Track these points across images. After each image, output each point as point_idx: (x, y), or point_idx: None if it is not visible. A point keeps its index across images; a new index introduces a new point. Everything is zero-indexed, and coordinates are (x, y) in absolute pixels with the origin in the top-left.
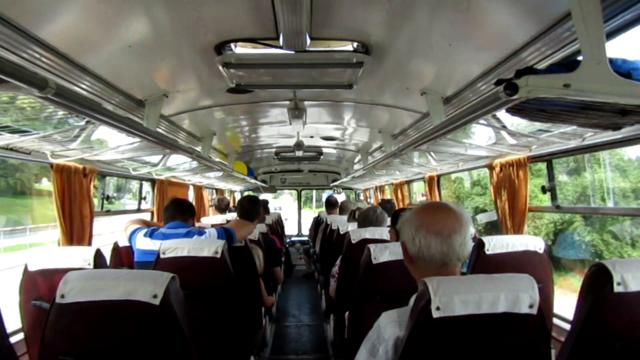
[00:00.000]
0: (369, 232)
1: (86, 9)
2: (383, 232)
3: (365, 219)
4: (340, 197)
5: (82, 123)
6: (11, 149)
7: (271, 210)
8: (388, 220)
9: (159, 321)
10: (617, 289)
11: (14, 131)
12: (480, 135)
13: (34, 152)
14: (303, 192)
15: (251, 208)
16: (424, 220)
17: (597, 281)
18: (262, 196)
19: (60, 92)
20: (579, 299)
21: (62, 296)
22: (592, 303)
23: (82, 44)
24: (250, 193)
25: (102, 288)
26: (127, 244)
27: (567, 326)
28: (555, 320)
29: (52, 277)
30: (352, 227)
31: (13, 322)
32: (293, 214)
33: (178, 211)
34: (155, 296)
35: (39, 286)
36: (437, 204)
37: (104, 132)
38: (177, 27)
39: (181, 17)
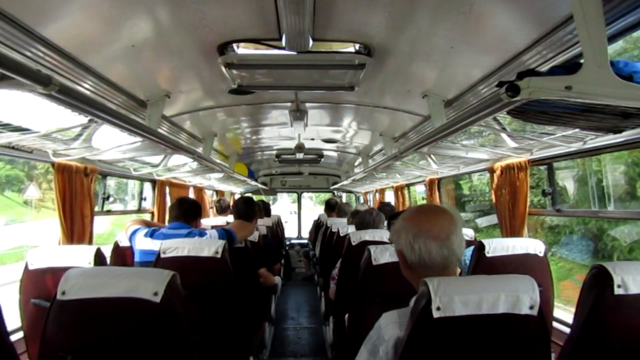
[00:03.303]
0: (369, 234)
1: (90, 8)
2: (383, 234)
3: (362, 221)
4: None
5: (85, 122)
6: (13, 147)
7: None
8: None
9: (159, 318)
10: (618, 291)
11: (15, 129)
12: (481, 138)
13: (36, 151)
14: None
15: (247, 209)
16: (421, 226)
17: (597, 283)
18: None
19: (64, 90)
20: (579, 301)
21: (63, 293)
22: (592, 305)
23: (86, 44)
24: (251, 195)
25: (103, 285)
26: (127, 244)
27: (567, 330)
28: (555, 324)
29: (53, 275)
30: (352, 229)
31: (13, 321)
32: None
33: (182, 212)
34: (156, 294)
35: (39, 285)
36: (429, 208)
37: (105, 132)
38: (180, 28)
39: (184, 17)
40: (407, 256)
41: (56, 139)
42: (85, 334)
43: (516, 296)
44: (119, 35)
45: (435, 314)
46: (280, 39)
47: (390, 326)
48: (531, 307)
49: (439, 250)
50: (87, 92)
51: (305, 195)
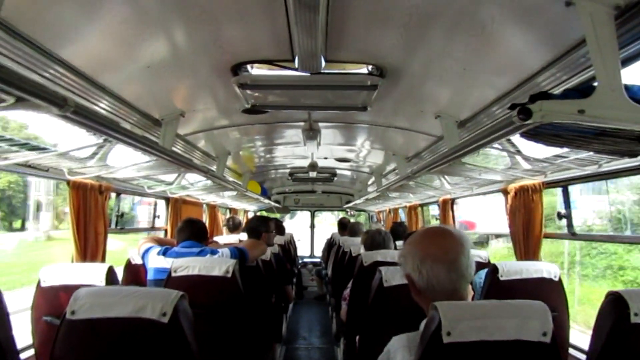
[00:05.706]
0: (381, 255)
1: (107, 30)
2: (395, 254)
3: (372, 242)
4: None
5: (100, 141)
6: (29, 166)
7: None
8: (398, 243)
9: (167, 339)
10: (635, 319)
11: (32, 148)
12: (495, 159)
13: (52, 169)
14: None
15: (259, 227)
16: (428, 250)
17: (613, 311)
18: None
19: (79, 111)
20: (594, 329)
21: (73, 312)
22: (608, 334)
23: (102, 64)
24: (264, 213)
25: (111, 305)
26: (140, 261)
27: (583, 357)
28: (571, 351)
29: (65, 293)
30: (364, 249)
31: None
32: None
33: (193, 232)
34: (164, 314)
35: (51, 302)
36: (435, 230)
37: (120, 150)
38: (195, 49)
39: (199, 38)
40: (415, 281)
41: (72, 157)
42: (94, 354)
43: (528, 322)
44: (135, 57)
45: (446, 339)
46: (293, 60)
47: (399, 350)
48: (544, 334)
49: (447, 273)
50: (103, 112)
51: (324, 213)
